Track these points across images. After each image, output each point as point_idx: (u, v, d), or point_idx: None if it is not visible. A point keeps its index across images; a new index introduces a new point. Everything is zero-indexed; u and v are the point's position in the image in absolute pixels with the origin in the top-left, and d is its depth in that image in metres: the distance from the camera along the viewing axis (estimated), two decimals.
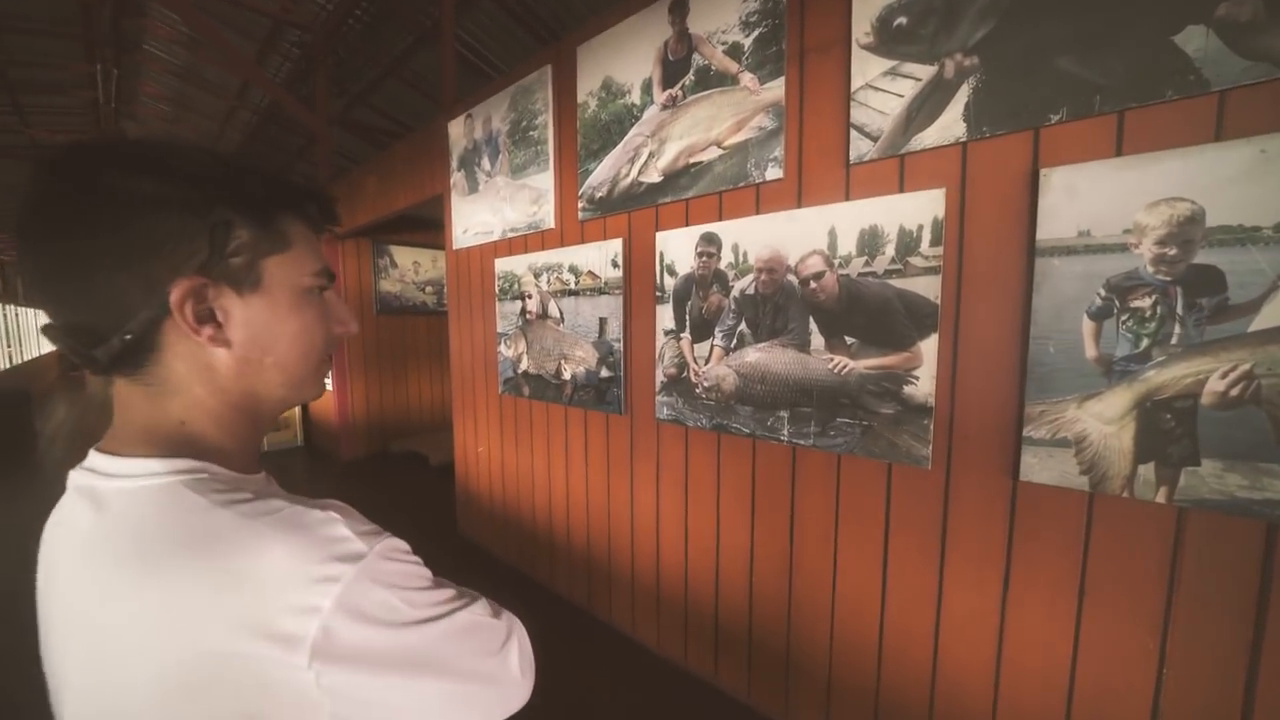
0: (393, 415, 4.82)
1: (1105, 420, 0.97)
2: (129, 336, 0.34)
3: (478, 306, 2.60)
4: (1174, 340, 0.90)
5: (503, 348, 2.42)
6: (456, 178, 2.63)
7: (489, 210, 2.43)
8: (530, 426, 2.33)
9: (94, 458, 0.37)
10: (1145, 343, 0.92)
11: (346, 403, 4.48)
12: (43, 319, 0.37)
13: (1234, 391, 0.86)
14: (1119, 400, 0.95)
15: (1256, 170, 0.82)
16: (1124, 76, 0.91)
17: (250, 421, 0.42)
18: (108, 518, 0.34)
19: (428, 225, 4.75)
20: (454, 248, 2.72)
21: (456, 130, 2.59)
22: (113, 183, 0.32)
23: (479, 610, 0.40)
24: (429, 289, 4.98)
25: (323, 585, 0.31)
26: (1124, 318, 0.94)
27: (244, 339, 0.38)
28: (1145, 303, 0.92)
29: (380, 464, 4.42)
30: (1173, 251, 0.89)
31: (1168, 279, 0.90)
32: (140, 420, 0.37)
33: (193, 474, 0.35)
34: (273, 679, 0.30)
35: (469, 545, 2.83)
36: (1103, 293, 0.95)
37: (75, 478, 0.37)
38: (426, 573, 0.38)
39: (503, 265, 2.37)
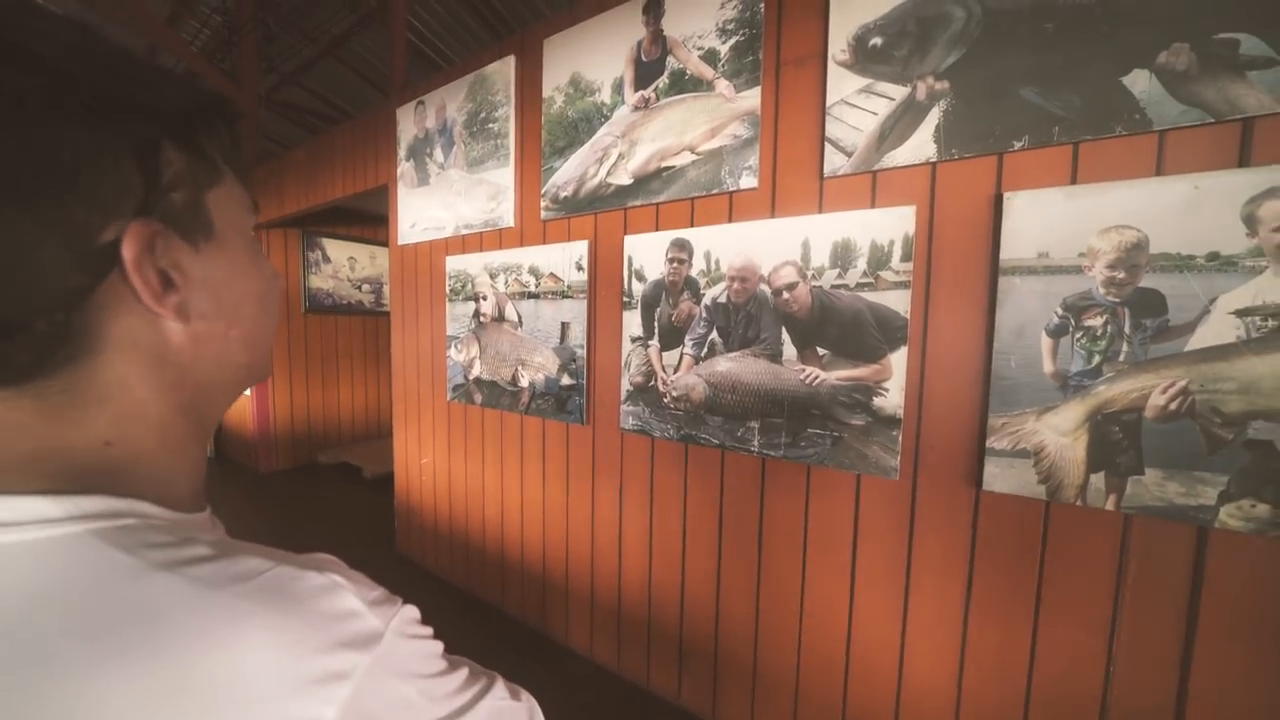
0: (321, 423, 4.42)
1: (1061, 432, 1.02)
2: (61, 317, 0.23)
3: (425, 306, 2.43)
4: (1122, 357, 0.97)
5: (453, 352, 2.26)
6: (405, 168, 2.45)
7: (441, 205, 2.28)
8: (482, 436, 2.19)
9: None
10: (1097, 359, 0.99)
11: (267, 409, 4.05)
12: None
13: (1172, 406, 0.93)
14: (1073, 413, 1.01)
15: (1191, 204, 0.90)
16: (1080, 110, 0.97)
17: (199, 430, 0.31)
18: None
19: (366, 218, 4.43)
20: (400, 243, 2.53)
21: (406, 117, 2.42)
22: None
23: (500, 694, 0.32)
24: (366, 287, 4.63)
25: (326, 687, 0.23)
26: (1078, 335, 1.00)
27: (207, 308, 0.29)
28: (1097, 322, 0.98)
29: (307, 476, 4.03)
30: (1121, 275, 0.95)
31: (1117, 300, 0.96)
32: (28, 445, 0.25)
33: (111, 519, 0.24)
34: None
35: (409, 564, 2.61)
36: (1060, 311, 1.01)
37: None
38: (439, 647, 0.30)
39: (455, 264, 2.22)
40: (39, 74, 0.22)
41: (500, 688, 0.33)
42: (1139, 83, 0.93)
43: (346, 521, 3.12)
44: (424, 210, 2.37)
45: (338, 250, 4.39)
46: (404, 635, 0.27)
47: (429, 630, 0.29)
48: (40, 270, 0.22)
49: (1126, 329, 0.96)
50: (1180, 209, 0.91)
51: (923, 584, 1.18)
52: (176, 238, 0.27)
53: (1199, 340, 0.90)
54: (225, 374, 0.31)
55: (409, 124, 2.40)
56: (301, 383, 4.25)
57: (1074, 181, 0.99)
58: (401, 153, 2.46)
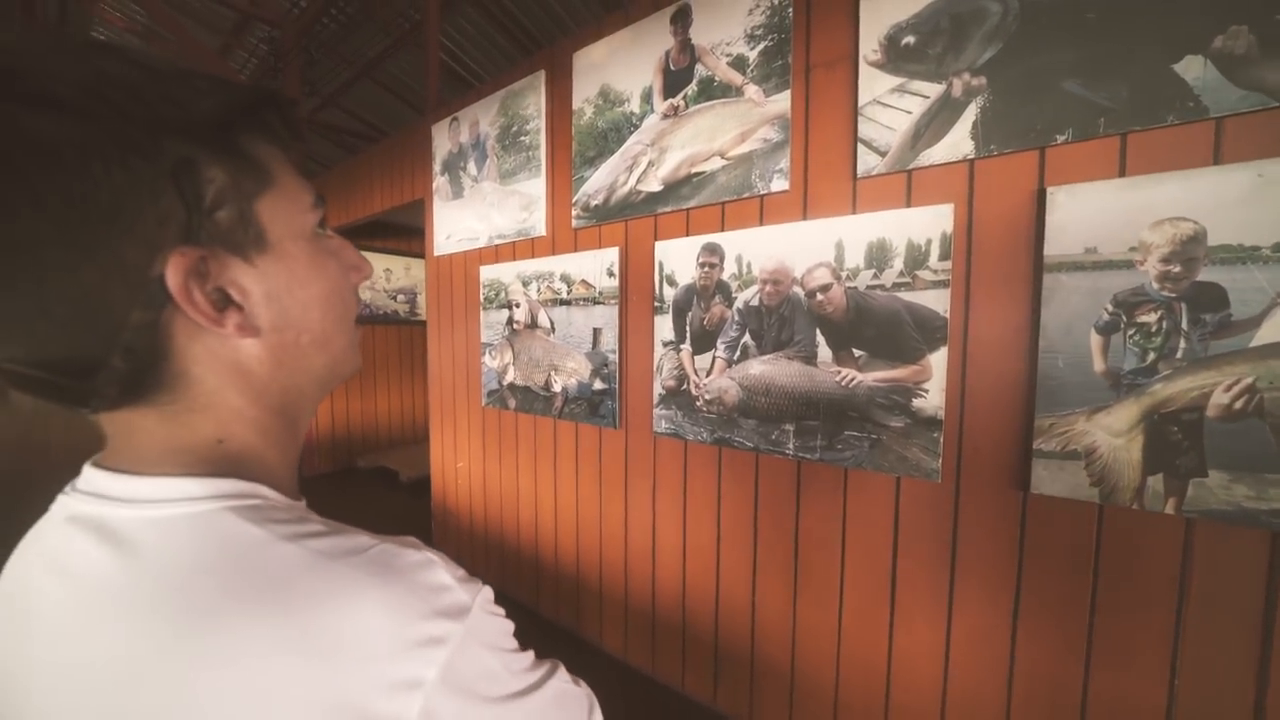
0: (360, 429, 4.59)
1: (1114, 433, 0.99)
2: (131, 350, 0.25)
3: (460, 315, 2.51)
4: (1179, 354, 0.93)
5: (487, 358, 2.33)
6: (439, 182, 2.54)
7: (474, 216, 2.35)
8: (516, 440, 2.24)
9: (95, 477, 0.28)
10: (1151, 357, 0.95)
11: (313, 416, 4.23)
12: None
13: (1238, 404, 0.88)
14: (1127, 413, 0.97)
15: (1255, 193, 0.86)
16: (1127, 101, 0.95)
17: (293, 428, 0.34)
18: (135, 557, 0.25)
19: (400, 231, 4.60)
20: (435, 254, 2.62)
21: (440, 133, 2.51)
22: None
23: (564, 678, 0.34)
24: (400, 298, 4.80)
25: (427, 650, 0.25)
26: (1130, 332, 0.96)
27: (274, 319, 0.29)
28: (1151, 318, 0.94)
29: (346, 480, 4.18)
30: (1177, 269, 0.92)
31: (1172, 295, 0.92)
32: (161, 442, 0.28)
33: (241, 499, 0.28)
34: None
35: None
36: (1110, 308, 0.98)
37: (67, 503, 0.28)
38: (512, 626, 0.32)
39: (488, 273, 2.29)
40: (67, 120, 0.22)
41: (564, 672, 0.35)
42: (1192, 69, 0.90)
43: (384, 524, 3.21)
44: (459, 222, 2.45)
45: (374, 263, 4.57)
46: (487, 611, 0.29)
47: (503, 610, 0.32)
48: (107, 311, 0.24)
49: (1184, 324, 0.92)
50: (1242, 198, 0.87)
51: (968, 590, 1.15)
52: (228, 256, 0.27)
53: (1266, 335, 0.86)
54: (307, 377, 0.33)
55: (444, 139, 2.50)
56: (341, 390, 4.42)
57: (1122, 174, 0.96)
58: (436, 167, 2.56)
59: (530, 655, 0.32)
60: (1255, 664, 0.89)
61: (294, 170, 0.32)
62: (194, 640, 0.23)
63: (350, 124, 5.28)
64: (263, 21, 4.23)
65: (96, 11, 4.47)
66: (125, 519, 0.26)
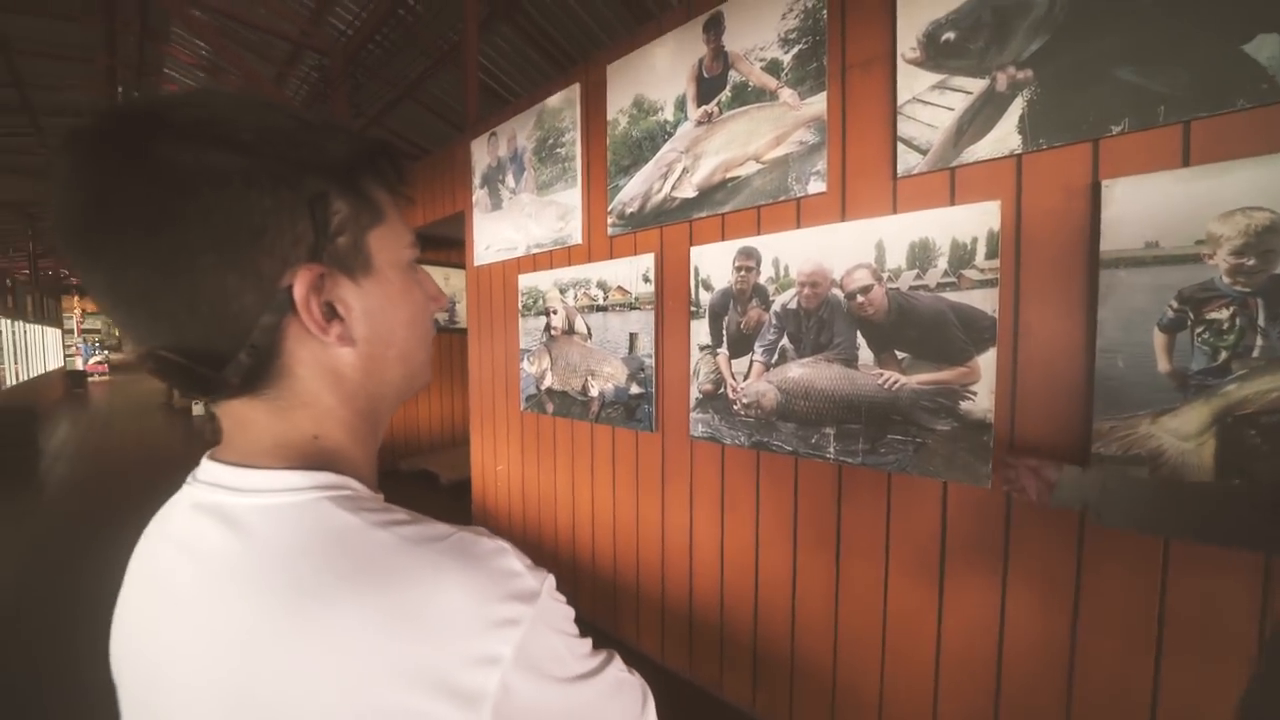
0: (402, 434, 4.78)
1: (1182, 436, 0.93)
2: (255, 347, 0.29)
3: (499, 322, 2.59)
4: (1256, 353, 0.87)
5: (525, 364, 2.39)
6: (479, 195, 2.64)
7: (513, 227, 2.43)
8: (554, 444, 2.29)
9: (214, 469, 0.32)
10: (1224, 355, 0.90)
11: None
12: (132, 345, 0.30)
13: None
14: (1197, 415, 0.92)
15: None
16: (1189, 86, 0.90)
17: (374, 429, 0.38)
18: (251, 540, 0.29)
19: (440, 243, 4.78)
20: (476, 264, 2.72)
21: (479, 149, 2.61)
22: (179, 158, 0.26)
23: (620, 666, 0.36)
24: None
25: (504, 630, 0.27)
26: (1199, 330, 0.91)
27: (367, 333, 0.33)
28: (1223, 315, 0.89)
29: (389, 482, 4.34)
30: (1251, 262, 0.86)
31: (1247, 290, 0.87)
32: (267, 436, 0.32)
33: (336, 490, 0.31)
34: None
35: None
36: (1175, 305, 0.93)
37: (192, 493, 0.33)
38: (573, 613, 0.34)
39: (526, 281, 2.36)
40: (240, 155, 0.27)
41: (619, 660, 0.37)
42: (1266, 48, 0.85)
43: None
44: (497, 233, 2.53)
45: (426, 271, 4.76)
46: (553, 597, 0.31)
47: (564, 598, 0.34)
48: (242, 312, 0.28)
49: (1261, 321, 0.86)
50: None
51: (1020, 599, 1.11)
52: (341, 275, 0.31)
53: None
54: (388, 385, 0.37)
55: (482, 154, 2.59)
56: None
57: (1186, 164, 0.92)
58: (476, 181, 2.66)
59: (589, 642, 0.34)
60: None
61: (400, 212, 0.37)
62: (300, 613, 0.26)
63: (394, 143, 5.54)
64: (313, 50, 4.51)
65: (169, 50, 4.88)
66: (241, 506, 0.30)
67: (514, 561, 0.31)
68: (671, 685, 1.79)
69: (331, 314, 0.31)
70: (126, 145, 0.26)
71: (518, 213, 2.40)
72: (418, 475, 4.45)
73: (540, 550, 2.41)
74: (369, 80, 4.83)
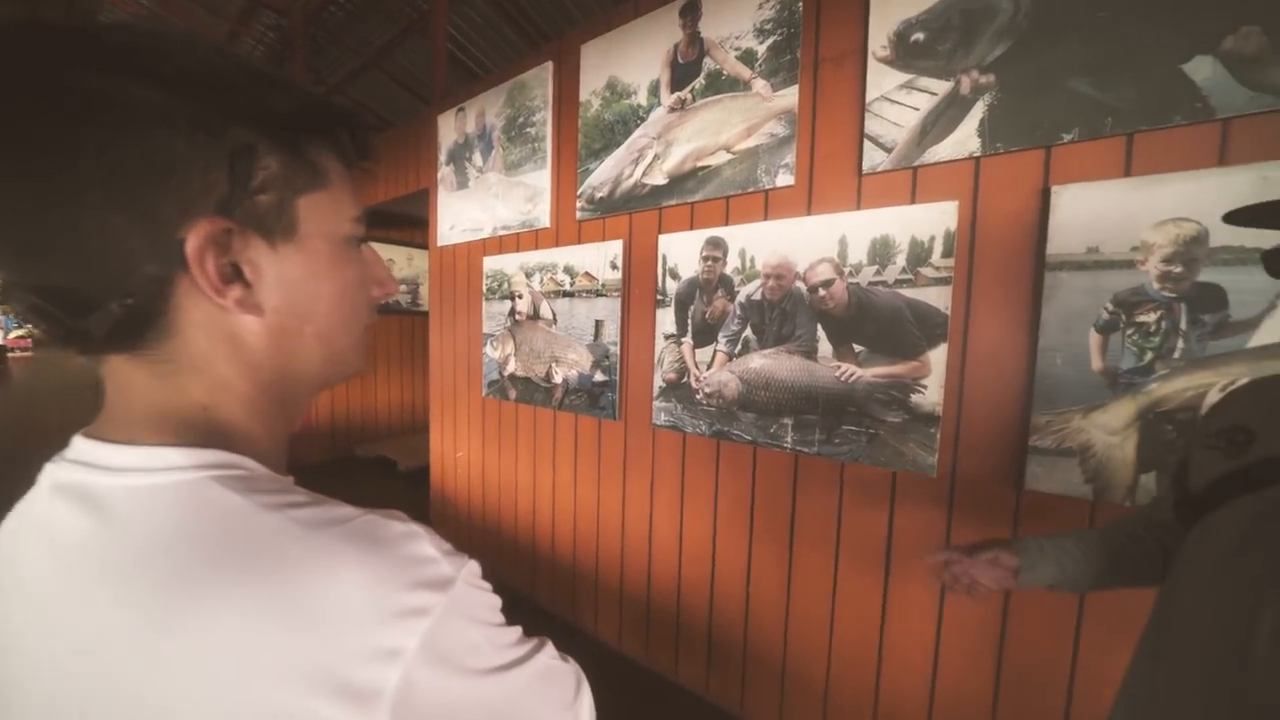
0: (360, 418, 4.60)
1: (1109, 431, 0.99)
2: (131, 301, 0.26)
3: (462, 305, 2.51)
4: (1177, 354, 0.93)
5: (488, 349, 2.33)
6: (445, 172, 2.55)
7: (479, 207, 2.36)
8: (515, 431, 2.25)
9: (83, 446, 0.29)
10: (1149, 356, 0.96)
11: (309, 404, 4.24)
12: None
13: None
14: (1123, 411, 0.98)
15: (1258, 195, 0.86)
16: (1135, 101, 0.95)
17: (284, 409, 0.34)
18: (112, 524, 0.26)
19: (403, 221, 4.60)
20: (439, 244, 2.62)
21: (446, 124, 2.51)
22: (91, 85, 0.23)
23: (551, 653, 0.34)
24: (403, 287, 4.80)
25: (408, 620, 0.25)
26: (1129, 331, 0.97)
27: (279, 303, 0.30)
28: (1150, 317, 0.95)
29: (344, 469, 4.20)
30: (1178, 269, 0.92)
31: (1172, 295, 0.93)
32: (148, 404, 0.29)
33: (225, 469, 0.28)
34: None
35: None
36: (1110, 307, 0.98)
37: (54, 472, 0.29)
38: (499, 602, 0.32)
39: (492, 264, 2.29)
40: (160, 91, 0.25)
41: (551, 648, 0.35)
42: (1202, 70, 0.90)
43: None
44: (463, 212, 2.45)
45: (377, 252, 4.56)
46: (472, 585, 0.29)
47: (490, 586, 0.32)
48: (122, 258, 0.25)
49: (1183, 325, 0.93)
50: (1245, 200, 0.86)
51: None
52: (255, 236, 0.28)
53: (1263, 336, 0.87)
54: (304, 365, 0.33)
55: (449, 130, 2.49)
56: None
57: (1128, 174, 0.97)
58: (442, 157, 2.56)
59: (517, 630, 0.32)
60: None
61: (351, 186, 0.35)
62: (173, 607, 0.23)
63: (361, 115, 5.27)
64: (269, 8, 4.22)
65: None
66: (108, 487, 0.27)
67: (425, 547, 0.28)
68: (627, 671, 1.80)
69: (235, 276, 0.28)
70: (32, 61, 0.24)
71: (484, 192, 2.32)
72: (375, 462, 4.30)
73: (500, 538, 2.37)
74: (331, 45, 4.56)
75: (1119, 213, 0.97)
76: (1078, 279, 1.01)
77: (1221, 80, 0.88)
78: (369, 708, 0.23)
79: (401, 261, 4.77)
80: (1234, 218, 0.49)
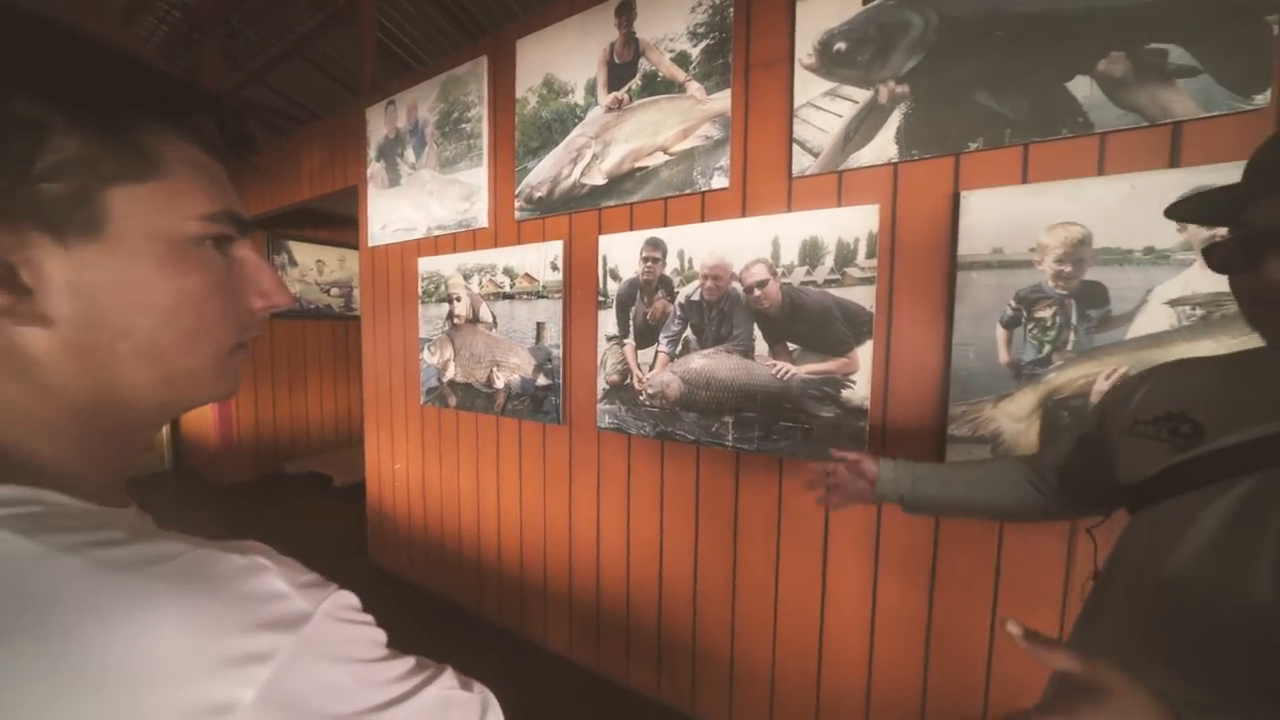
0: (289, 432, 4.27)
1: (1016, 418, 1.07)
2: None
3: (396, 309, 2.38)
4: (1070, 346, 1.02)
5: (426, 354, 2.23)
6: (375, 168, 2.41)
7: (412, 205, 2.24)
8: (457, 439, 2.16)
9: None
10: (1047, 348, 1.04)
11: (231, 418, 3.90)
12: None
13: None
14: (1026, 400, 1.06)
15: (1129, 202, 0.96)
16: (1029, 113, 1.03)
17: (113, 438, 0.30)
18: None
19: (333, 220, 4.32)
20: (370, 244, 2.48)
21: (375, 117, 2.38)
22: None
23: (448, 683, 0.31)
24: (335, 291, 4.51)
25: (243, 668, 0.22)
26: (1030, 326, 1.05)
27: (75, 314, 0.26)
28: (1047, 313, 1.04)
29: (273, 487, 3.88)
30: (1068, 269, 1.01)
31: (1064, 292, 1.02)
32: None
33: (14, 506, 0.23)
34: None
35: (380, 573, 2.54)
36: (1013, 304, 1.06)
37: None
38: (381, 635, 0.29)
39: (427, 265, 2.19)
40: None
41: (449, 677, 0.32)
42: (1082, 88, 0.99)
43: (315, 532, 3.02)
44: (395, 211, 2.33)
45: (305, 253, 4.27)
46: (336, 619, 0.26)
47: (369, 618, 0.29)
48: None
49: (1074, 319, 1.01)
50: (1120, 206, 0.97)
51: (890, 569, 1.22)
52: (34, 232, 0.24)
53: (1138, 329, 0.96)
54: (130, 389, 0.29)
55: (379, 124, 2.36)
56: (268, 390, 4.10)
57: (1025, 181, 1.05)
58: (371, 153, 2.42)
59: (406, 662, 0.29)
60: None
61: (207, 179, 0.30)
62: None
63: (277, 103, 4.90)
64: None
65: None
66: None
67: (272, 581, 0.25)
68: (579, 680, 1.77)
69: (11, 280, 0.24)
70: None
71: (418, 190, 2.21)
72: (308, 479, 4.01)
73: (443, 552, 2.27)
74: (247, 29, 4.21)
75: (1019, 217, 1.05)
76: (985, 278, 1.08)
77: (1098, 98, 0.97)
78: None
79: (333, 263, 4.48)
80: (1174, 212, 0.51)
